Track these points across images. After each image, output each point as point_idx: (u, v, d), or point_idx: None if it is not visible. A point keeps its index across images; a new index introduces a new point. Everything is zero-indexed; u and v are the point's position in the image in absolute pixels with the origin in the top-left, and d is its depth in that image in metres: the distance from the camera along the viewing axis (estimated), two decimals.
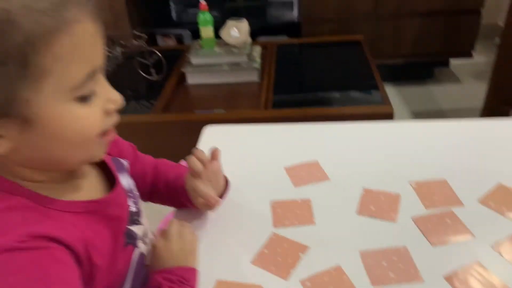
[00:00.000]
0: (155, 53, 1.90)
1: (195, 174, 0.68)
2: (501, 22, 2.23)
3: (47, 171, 0.51)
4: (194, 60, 1.85)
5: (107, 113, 0.50)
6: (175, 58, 2.02)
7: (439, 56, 2.34)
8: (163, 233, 0.65)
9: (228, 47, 1.85)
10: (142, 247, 0.64)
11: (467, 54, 2.30)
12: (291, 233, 0.71)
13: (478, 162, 0.84)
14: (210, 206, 0.71)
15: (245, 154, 0.91)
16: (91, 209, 0.54)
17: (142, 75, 1.86)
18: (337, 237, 0.70)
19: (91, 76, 0.47)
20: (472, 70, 2.51)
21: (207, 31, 1.83)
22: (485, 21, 2.28)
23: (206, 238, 0.72)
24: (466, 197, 0.76)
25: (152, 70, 1.90)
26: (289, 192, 0.80)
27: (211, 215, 0.76)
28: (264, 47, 2.07)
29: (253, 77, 1.85)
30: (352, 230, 0.71)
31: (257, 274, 0.64)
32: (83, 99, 0.47)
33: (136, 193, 0.68)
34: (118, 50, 1.97)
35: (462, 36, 2.24)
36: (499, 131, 0.93)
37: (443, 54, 2.33)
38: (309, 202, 0.77)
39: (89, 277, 0.51)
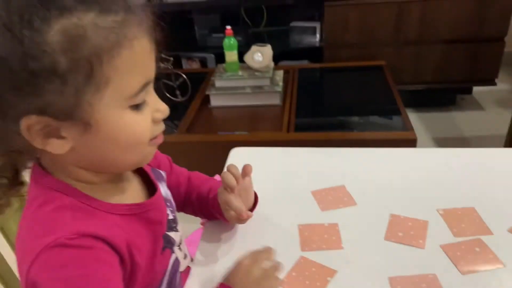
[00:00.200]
0: (181, 75, 1.96)
1: (229, 188, 0.70)
2: None
3: (99, 173, 0.55)
4: (218, 83, 1.89)
5: (155, 121, 0.55)
6: (200, 81, 2.07)
7: (462, 83, 2.33)
8: (255, 256, 0.64)
9: (251, 71, 1.89)
10: (178, 253, 0.67)
11: (491, 82, 2.29)
12: (318, 257, 0.71)
13: (505, 191, 0.83)
14: (241, 219, 0.73)
15: (272, 176, 0.92)
16: (134, 211, 0.58)
17: (168, 96, 1.91)
18: (366, 262, 0.70)
19: (144, 87, 0.51)
20: (496, 98, 2.49)
21: (231, 55, 1.88)
22: (508, 49, 2.27)
23: (233, 260, 0.73)
24: (495, 226, 0.75)
25: (177, 92, 1.94)
26: (316, 216, 0.81)
27: (239, 236, 0.77)
28: (287, 71, 2.11)
29: (276, 100, 1.87)
30: (380, 256, 0.71)
31: None
32: (137, 107, 0.52)
33: (173, 202, 0.71)
34: None
35: (485, 64, 2.23)
36: None
37: (466, 82, 2.32)
38: (337, 227, 0.77)
39: (130, 276, 0.55)
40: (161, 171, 0.72)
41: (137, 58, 0.49)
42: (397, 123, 1.70)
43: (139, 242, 0.56)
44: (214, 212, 0.76)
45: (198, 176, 0.82)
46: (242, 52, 1.89)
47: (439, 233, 0.75)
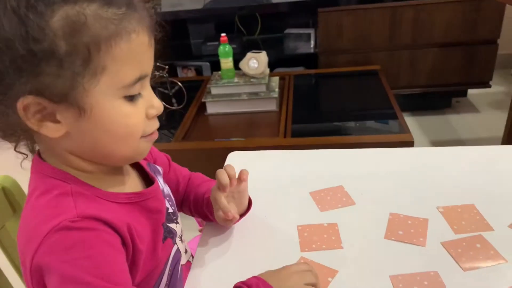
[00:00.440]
0: (176, 83, 1.95)
1: (221, 187, 0.70)
2: None
3: (95, 163, 0.56)
4: (214, 90, 1.89)
5: (149, 117, 0.56)
6: (195, 89, 2.07)
7: (457, 87, 2.34)
8: (302, 268, 0.63)
9: (247, 78, 1.89)
10: (179, 245, 0.68)
11: (485, 84, 2.30)
12: (318, 257, 0.71)
13: (504, 187, 0.83)
14: (226, 220, 0.73)
15: (269, 178, 0.92)
16: (133, 200, 0.59)
17: (164, 104, 1.90)
18: (366, 262, 0.70)
19: (139, 80, 0.53)
20: (491, 100, 2.50)
21: (226, 63, 1.88)
22: (502, 51, 2.29)
23: (233, 262, 0.72)
24: (495, 222, 0.75)
25: (173, 100, 1.94)
26: (316, 216, 0.80)
27: (239, 237, 0.76)
28: (282, 77, 2.11)
29: (272, 106, 1.87)
30: (381, 255, 0.71)
31: None
32: (131, 98, 0.53)
33: (172, 197, 0.72)
34: None
35: (479, 67, 2.24)
36: None
37: (461, 85, 2.33)
38: (336, 227, 0.77)
39: (132, 260, 0.56)
40: (157, 166, 0.73)
41: (134, 51, 0.51)
42: (393, 127, 1.70)
43: (139, 229, 0.57)
44: (207, 212, 0.76)
45: (198, 177, 0.83)
46: (237, 60, 1.90)
47: (440, 231, 0.74)
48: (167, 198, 0.69)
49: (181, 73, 2.51)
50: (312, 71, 2.28)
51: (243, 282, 0.59)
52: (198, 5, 2.39)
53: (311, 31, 2.41)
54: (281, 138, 1.66)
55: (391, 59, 2.24)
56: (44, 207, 0.53)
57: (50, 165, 0.56)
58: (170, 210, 0.69)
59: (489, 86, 2.31)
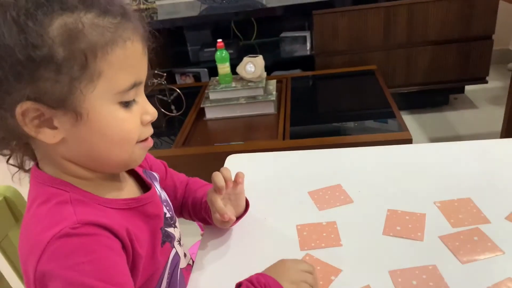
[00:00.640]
0: (175, 90, 1.97)
1: (217, 190, 0.71)
2: None
3: (91, 170, 0.57)
4: (212, 95, 1.90)
5: (143, 123, 0.58)
6: (194, 95, 2.08)
7: (454, 83, 2.35)
8: (299, 262, 0.65)
9: (244, 82, 1.90)
10: (178, 248, 0.69)
11: (482, 80, 2.31)
12: (318, 255, 0.71)
13: (501, 180, 0.84)
14: (223, 222, 0.74)
15: (268, 179, 0.93)
16: (131, 205, 0.60)
17: (163, 111, 1.92)
18: (365, 258, 0.70)
19: (134, 86, 0.55)
20: (488, 96, 2.51)
21: (224, 68, 1.90)
22: (497, 47, 2.30)
23: (234, 263, 0.73)
24: (492, 214, 0.75)
25: (172, 107, 1.96)
26: (314, 215, 0.81)
27: (239, 237, 0.77)
28: (280, 80, 2.13)
29: (270, 109, 1.89)
30: (380, 250, 0.71)
31: None
32: (126, 104, 0.55)
33: (170, 202, 0.73)
34: None
35: (475, 63, 2.25)
36: None
37: (458, 81, 2.34)
38: (335, 225, 0.78)
39: (132, 264, 0.57)
40: (153, 172, 0.74)
41: (129, 57, 0.53)
42: (392, 125, 1.70)
43: (138, 234, 0.58)
44: (205, 216, 0.77)
45: (196, 181, 0.84)
46: (234, 65, 1.91)
47: (437, 225, 0.75)
48: (165, 203, 0.70)
49: (180, 80, 2.52)
50: (309, 73, 2.30)
51: (245, 279, 0.60)
52: (194, 12, 2.41)
53: (307, 34, 2.43)
54: (280, 141, 1.67)
55: (387, 58, 2.26)
56: (44, 216, 0.54)
57: (48, 174, 0.57)
58: (168, 215, 0.70)
59: (486, 82, 2.32)
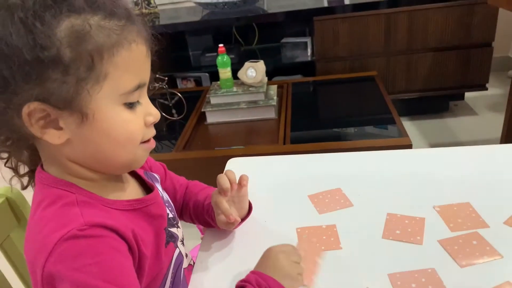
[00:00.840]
0: (176, 94, 1.98)
1: (222, 192, 0.72)
2: None
3: (95, 171, 0.58)
4: (214, 99, 1.91)
5: (147, 124, 0.59)
6: (195, 99, 2.09)
7: (454, 90, 2.36)
8: (287, 247, 0.66)
9: (245, 87, 1.91)
10: (181, 248, 0.70)
11: (482, 87, 2.33)
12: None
13: (500, 185, 0.84)
14: (228, 224, 0.74)
15: (268, 183, 0.93)
16: (135, 206, 0.61)
17: (164, 115, 1.93)
18: (365, 261, 0.71)
19: (138, 87, 0.56)
20: (488, 102, 2.52)
21: (225, 72, 1.91)
22: (497, 54, 2.32)
23: (234, 265, 0.73)
24: (491, 219, 0.76)
25: (173, 111, 1.97)
26: (314, 219, 0.81)
27: (239, 240, 0.78)
28: (280, 85, 2.14)
29: (271, 114, 1.89)
30: (379, 254, 0.72)
31: None
32: (130, 105, 0.56)
33: (171, 203, 0.74)
34: None
35: (475, 70, 2.27)
36: None
37: (458, 88, 2.35)
38: (334, 228, 0.78)
39: (138, 265, 0.57)
40: (154, 173, 0.75)
41: (134, 59, 0.54)
42: (392, 131, 1.71)
43: (143, 235, 0.59)
44: (207, 218, 0.78)
45: (196, 185, 0.84)
46: (235, 70, 1.92)
47: (436, 229, 0.75)
48: (167, 204, 0.71)
49: (181, 85, 2.54)
50: (310, 79, 2.31)
51: (243, 280, 0.61)
52: (196, 17, 2.43)
53: (308, 40, 2.44)
54: (280, 145, 1.68)
55: (387, 64, 2.27)
56: (51, 217, 0.54)
57: (53, 175, 0.57)
58: (171, 215, 0.70)
59: (486, 89, 2.33)
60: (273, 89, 1.99)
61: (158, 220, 0.65)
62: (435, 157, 0.97)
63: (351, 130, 1.81)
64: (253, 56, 2.39)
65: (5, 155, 0.59)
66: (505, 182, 0.85)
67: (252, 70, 1.88)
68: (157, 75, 1.98)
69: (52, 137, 0.53)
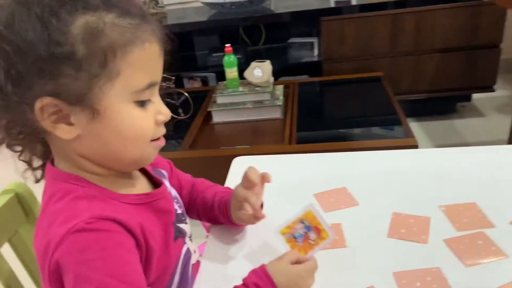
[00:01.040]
0: (182, 94, 1.99)
1: (250, 185, 0.72)
2: None
3: (105, 167, 0.59)
4: (220, 99, 1.92)
5: (157, 123, 0.59)
6: (201, 99, 2.10)
7: (461, 91, 2.35)
8: (296, 254, 0.66)
9: (252, 87, 1.92)
10: (189, 244, 0.71)
11: (489, 88, 2.31)
12: (323, 256, 0.72)
13: (507, 186, 0.84)
14: (255, 218, 0.74)
15: (274, 182, 0.93)
16: (143, 201, 0.61)
17: (171, 115, 1.94)
18: (370, 260, 0.71)
19: (150, 86, 0.56)
20: (495, 104, 2.51)
21: (231, 72, 1.91)
22: (505, 55, 2.30)
23: (240, 261, 0.74)
24: (497, 219, 0.76)
25: (180, 110, 1.98)
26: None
27: (245, 238, 0.78)
28: (287, 86, 2.14)
29: (277, 114, 1.90)
30: (384, 253, 0.72)
31: None
32: (142, 104, 0.56)
33: (180, 199, 0.75)
34: None
35: (483, 71, 2.25)
36: None
37: (465, 89, 2.34)
38: (340, 227, 0.78)
39: (146, 260, 0.58)
40: (161, 170, 0.75)
41: (146, 58, 0.55)
42: (398, 132, 1.71)
43: (152, 229, 0.59)
44: (219, 215, 0.78)
45: (202, 182, 0.85)
46: (242, 70, 1.93)
47: (442, 229, 0.75)
48: (175, 200, 0.72)
49: (187, 84, 2.55)
50: (316, 79, 2.31)
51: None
52: (203, 17, 2.44)
53: (314, 40, 2.44)
54: (286, 145, 1.68)
55: (394, 65, 2.26)
56: (60, 211, 0.55)
57: (63, 170, 0.58)
58: (179, 211, 0.71)
59: (493, 90, 2.32)
60: (279, 89, 2.00)
61: (167, 214, 0.66)
62: (441, 157, 0.97)
63: (357, 130, 1.81)
64: (259, 56, 2.40)
65: (18, 148, 0.60)
66: (511, 181, 0.85)
67: (259, 70, 1.89)
68: (165, 75, 1.99)
69: (63, 132, 0.54)
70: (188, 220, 0.74)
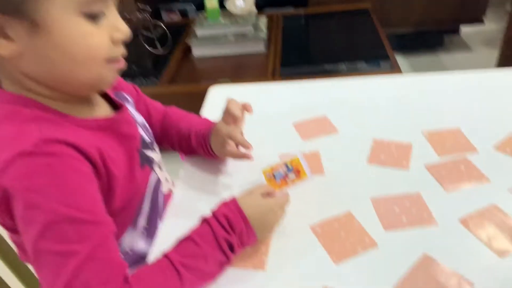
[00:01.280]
0: (160, 26, 1.88)
1: (232, 120, 0.67)
2: None
3: (54, 90, 0.52)
4: (199, 31, 1.82)
5: (114, 41, 0.52)
6: (180, 32, 2.00)
7: (450, 23, 2.27)
8: (267, 188, 0.62)
9: (233, 18, 1.82)
10: (158, 172, 0.67)
11: (478, 20, 2.24)
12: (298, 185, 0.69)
13: (492, 111, 0.81)
14: (236, 154, 0.70)
15: (253, 111, 0.89)
16: (103, 125, 0.56)
17: (147, 48, 1.84)
18: (348, 186, 0.69)
19: None
20: (483, 38, 2.45)
21: (211, 2, 1.80)
22: None
23: (214, 188, 0.71)
24: (481, 144, 0.73)
25: (157, 43, 1.88)
26: (297, 145, 0.78)
27: (220, 167, 0.75)
28: (270, 18, 2.04)
29: (260, 47, 1.82)
30: (363, 179, 0.70)
31: None
32: (92, 17, 0.49)
33: (149, 128, 0.70)
34: None
35: (473, 2, 2.17)
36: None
37: (454, 21, 2.26)
38: (317, 153, 0.75)
39: (108, 188, 0.54)
40: (126, 95, 0.70)
41: None
42: (384, 67, 1.65)
43: (113, 155, 0.55)
44: (197, 148, 0.74)
45: (176, 111, 0.80)
46: None
47: (424, 154, 0.73)
48: (142, 127, 0.67)
49: (166, 17, 2.41)
50: (301, 11, 2.20)
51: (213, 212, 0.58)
52: None
53: None
54: (269, 79, 1.62)
55: None
56: (7, 134, 0.49)
57: (10, 92, 0.52)
58: (146, 138, 0.67)
59: (482, 22, 2.24)
60: (263, 22, 1.90)
61: (130, 140, 0.61)
62: (425, 83, 0.93)
63: (342, 65, 1.75)
64: None
65: None
66: (497, 109, 0.82)
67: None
68: (140, 7, 1.87)
69: (1, 47, 0.47)
70: (157, 148, 0.70)
